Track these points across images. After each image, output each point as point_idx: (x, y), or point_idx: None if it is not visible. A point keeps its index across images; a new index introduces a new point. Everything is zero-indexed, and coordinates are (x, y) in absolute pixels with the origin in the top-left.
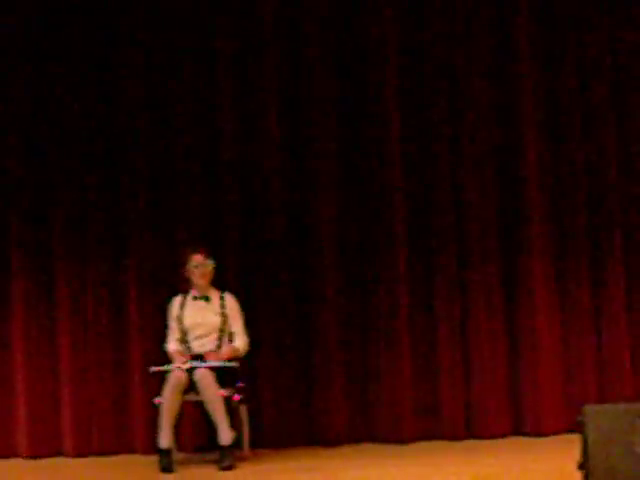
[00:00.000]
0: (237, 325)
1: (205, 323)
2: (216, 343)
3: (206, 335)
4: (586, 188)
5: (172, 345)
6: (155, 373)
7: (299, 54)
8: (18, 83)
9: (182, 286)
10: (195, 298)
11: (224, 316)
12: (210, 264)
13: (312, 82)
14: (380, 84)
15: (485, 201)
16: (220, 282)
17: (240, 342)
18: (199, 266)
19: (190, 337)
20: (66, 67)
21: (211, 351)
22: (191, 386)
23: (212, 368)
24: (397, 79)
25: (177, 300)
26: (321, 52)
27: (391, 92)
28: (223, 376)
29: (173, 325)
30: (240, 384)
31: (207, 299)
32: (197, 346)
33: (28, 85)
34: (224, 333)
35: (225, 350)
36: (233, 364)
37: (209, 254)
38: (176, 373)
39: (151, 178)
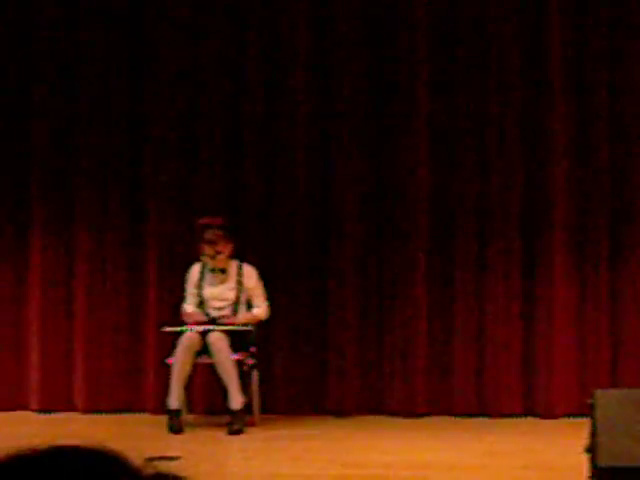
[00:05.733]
0: (257, 295)
1: (221, 297)
2: (231, 314)
3: (222, 308)
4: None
5: (190, 307)
6: (169, 333)
7: (330, 27)
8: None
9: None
10: (213, 270)
11: (240, 289)
12: (221, 246)
13: (342, 56)
14: (410, 62)
15: (509, 177)
16: (240, 251)
17: (259, 310)
18: (210, 244)
19: (208, 306)
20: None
21: (227, 317)
22: (204, 348)
23: (226, 332)
24: (427, 62)
25: (196, 268)
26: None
27: (422, 76)
28: (236, 340)
29: (192, 291)
30: (253, 349)
31: (223, 271)
32: (214, 314)
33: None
34: (240, 305)
35: (243, 315)
36: (248, 328)
37: (225, 230)
38: (189, 334)
39: (175, 146)
